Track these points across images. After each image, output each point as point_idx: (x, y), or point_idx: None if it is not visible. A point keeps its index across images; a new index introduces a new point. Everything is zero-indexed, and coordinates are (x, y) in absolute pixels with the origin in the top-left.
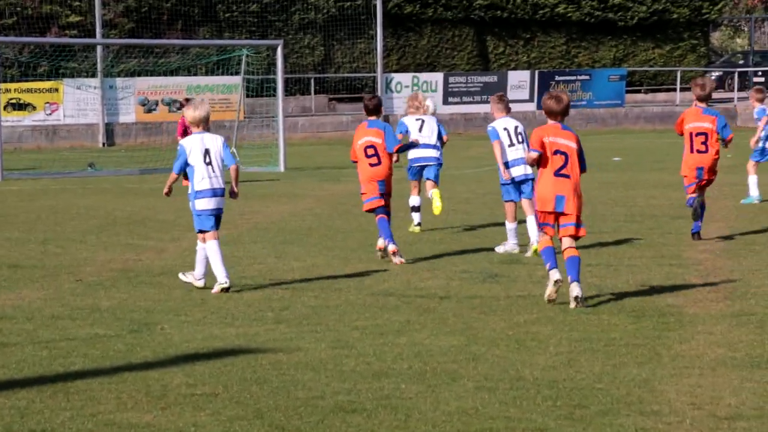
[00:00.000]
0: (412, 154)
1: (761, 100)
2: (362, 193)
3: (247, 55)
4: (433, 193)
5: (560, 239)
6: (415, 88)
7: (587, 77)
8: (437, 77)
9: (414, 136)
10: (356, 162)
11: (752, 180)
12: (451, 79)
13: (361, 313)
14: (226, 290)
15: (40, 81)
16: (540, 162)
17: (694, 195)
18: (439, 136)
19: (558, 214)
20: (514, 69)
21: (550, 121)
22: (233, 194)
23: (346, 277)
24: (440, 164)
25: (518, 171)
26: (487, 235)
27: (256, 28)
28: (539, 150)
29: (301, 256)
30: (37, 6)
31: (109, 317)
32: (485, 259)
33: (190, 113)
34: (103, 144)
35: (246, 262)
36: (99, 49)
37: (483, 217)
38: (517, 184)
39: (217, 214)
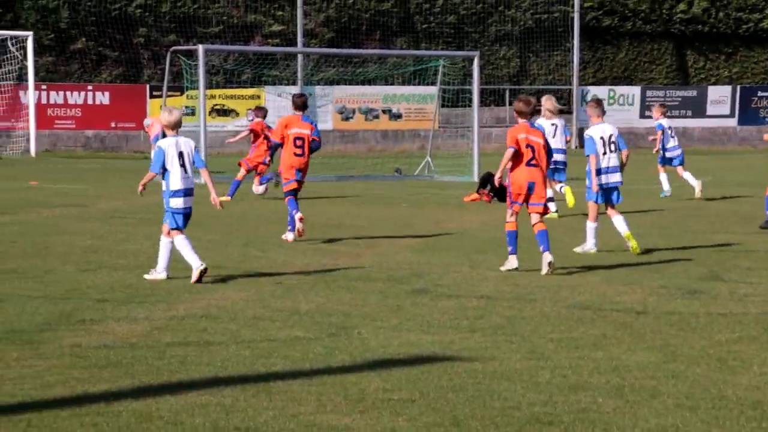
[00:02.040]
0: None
1: (664, 114)
2: (282, 175)
3: (444, 66)
4: (565, 189)
5: (530, 215)
6: (611, 101)
7: None
8: (634, 90)
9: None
10: (282, 144)
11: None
12: (649, 93)
13: (556, 325)
14: (204, 272)
15: (242, 88)
16: (515, 155)
17: None
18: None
19: (528, 195)
20: (715, 84)
21: (521, 120)
22: (215, 202)
23: (541, 288)
24: (565, 165)
25: (612, 178)
26: (685, 249)
27: (452, 39)
28: (515, 146)
29: (495, 266)
30: (242, 15)
31: (307, 320)
32: (683, 274)
33: (166, 117)
34: None
35: (440, 271)
36: (300, 57)
37: (680, 229)
38: (606, 190)
39: (188, 212)
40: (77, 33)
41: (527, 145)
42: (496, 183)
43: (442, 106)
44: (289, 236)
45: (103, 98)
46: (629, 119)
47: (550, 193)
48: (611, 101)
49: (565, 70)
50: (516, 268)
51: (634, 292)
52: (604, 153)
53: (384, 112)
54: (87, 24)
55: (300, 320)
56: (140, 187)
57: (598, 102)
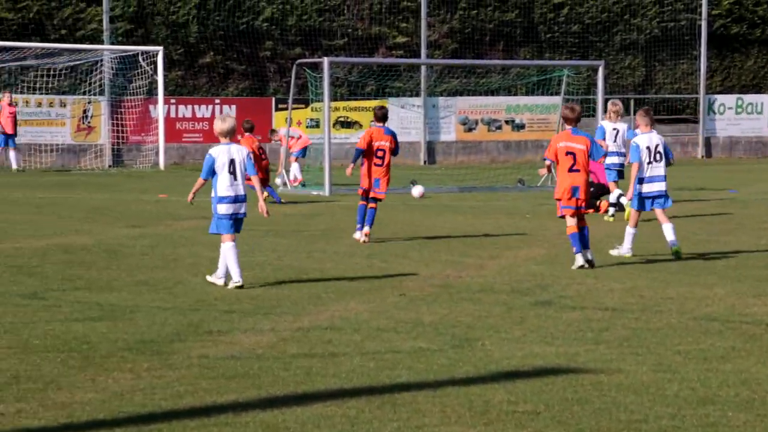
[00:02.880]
0: (609, 159)
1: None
2: (361, 182)
3: (567, 76)
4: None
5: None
6: (739, 110)
7: None
8: (763, 99)
9: (608, 142)
10: (364, 150)
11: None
12: None
13: (683, 337)
14: (240, 287)
15: (366, 100)
16: (558, 162)
17: None
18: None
19: (575, 200)
20: None
21: (567, 127)
22: (261, 210)
23: (667, 300)
24: (622, 167)
25: (654, 187)
26: None
27: (576, 49)
28: (552, 159)
29: (620, 278)
30: (366, 28)
31: (431, 331)
32: None
33: (219, 125)
34: (425, 162)
35: (564, 282)
36: (423, 69)
37: None
38: (649, 198)
39: (236, 218)
40: (206, 47)
41: (567, 153)
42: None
43: None
44: (356, 235)
45: (230, 111)
46: (758, 128)
47: (613, 197)
48: (739, 110)
49: (691, 79)
50: (582, 266)
51: (764, 304)
52: (649, 162)
53: (507, 122)
54: (215, 38)
55: (424, 332)
56: (190, 196)
57: (647, 111)
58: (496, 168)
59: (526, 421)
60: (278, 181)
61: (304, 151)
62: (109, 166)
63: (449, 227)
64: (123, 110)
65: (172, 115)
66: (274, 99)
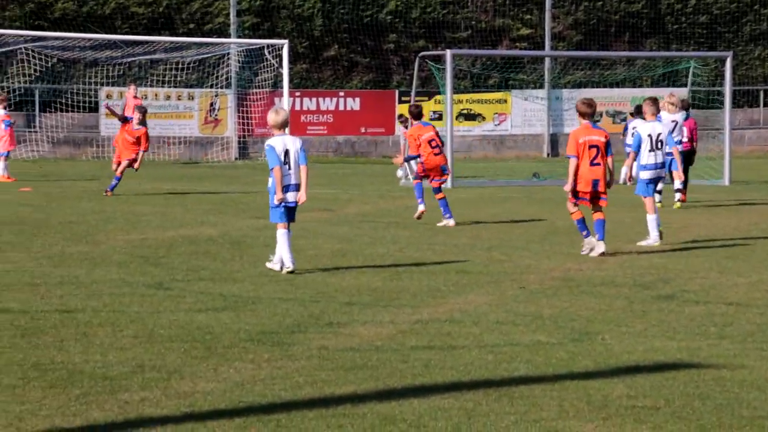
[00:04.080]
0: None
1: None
2: (427, 176)
3: (695, 67)
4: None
5: (592, 207)
6: None
7: None
8: None
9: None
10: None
11: None
12: None
13: None
14: (291, 272)
15: (489, 92)
16: (580, 156)
17: None
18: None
19: (594, 192)
20: None
21: (583, 122)
22: (300, 201)
23: None
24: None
25: (657, 173)
26: None
27: (704, 40)
28: (576, 155)
29: (745, 272)
30: (490, 20)
31: (550, 325)
32: None
33: (273, 117)
34: (548, 154)
35: (687, 276)
36: (547, 61)
37: None
38: (653, 182)
39: (290, 207)
40: (330, 40)
41: (591, 146)
42: (567, 191)
43: (693, 107)
44: (450, 222)
45: (354, 104)
46: None
47: (678, 183)
48: None
49: None
50: (599, 251)
51: None
52: (650, 150)
53: (631, 114)
54: (340, 31)
55: (543, 325)
56: (278, 196)
57: (654, 101)
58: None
59: (645, 417)
60: (399, 173)
61: None
62: (235, 159)
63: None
64: (249, 103)
65: (297, 107)
66: (397, 92)
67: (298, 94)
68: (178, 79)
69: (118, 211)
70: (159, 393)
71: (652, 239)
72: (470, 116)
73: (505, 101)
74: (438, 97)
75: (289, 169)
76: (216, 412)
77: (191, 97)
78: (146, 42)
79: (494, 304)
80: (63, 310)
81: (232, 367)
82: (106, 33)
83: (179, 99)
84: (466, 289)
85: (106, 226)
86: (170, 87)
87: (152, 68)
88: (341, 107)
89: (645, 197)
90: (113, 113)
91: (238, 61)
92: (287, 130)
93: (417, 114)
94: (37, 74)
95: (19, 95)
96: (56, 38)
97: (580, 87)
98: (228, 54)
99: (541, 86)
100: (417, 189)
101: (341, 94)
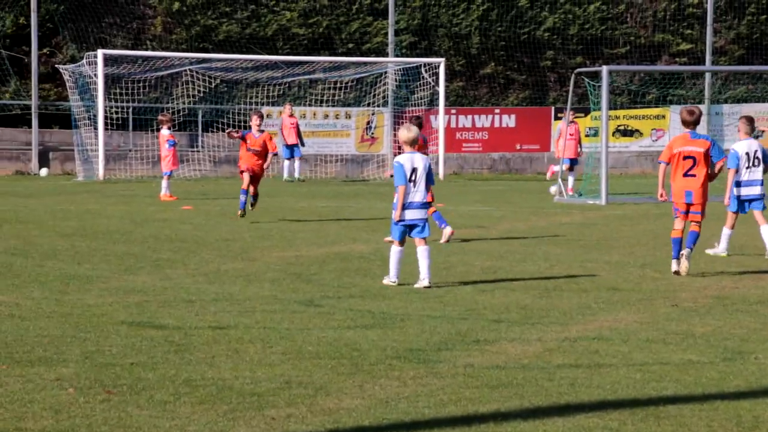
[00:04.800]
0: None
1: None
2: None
3: None
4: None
5: (689, 221)
6: None
7: None
8: None
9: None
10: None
11: None
12: None
13: None
14: (393, 283)
15: (647, 108)
16: (674, 166)
17: None
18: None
19: (688, 205)
20: None
21: (685, 130)
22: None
23: None
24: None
25: (751, 191)
26: None
27: None
28: (666, 161)
29: None
30: (649, 35)
31: (702, 343)
32: None
33: (404, 134)
34: None
35: None
36: (707, 76)
37: None
38: (747, 200)
39: (413, 225)
40: (487, 58)
41: (686, 157)
42: (659, 198)
43: None
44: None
45: (509, 121)
46: None
47: None
48: None
49: None
50: (677, 272)
51: None
52: (747, 167)
53: None
54: (497, 48)
55: (694, 343)
56: (397, 214)
57: (750, 120)
58: None
59: None
60: (553, 189)
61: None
62: (391, 176)
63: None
64: (404, 121)
65: (452, 125)
66: (553, 108)
67: (453, 111)
68: (336, 98)
69: (274, 228)
70: (304, 409)
71: (720, 249)
72: (627, 132)
73: (664, 117)
74: (595, 113)
75: (414, 186)
76: (360, 429)
77: (348, 116)
78: (306, 62)
79: (645, 322)
80: (216, 327)
81: (378, 384)
82: (268, 54)
83: (337, 118)
84: (616, 307)
85: (261, 243)
86: (328, 106)
87: (311, 88)
88: (497, 124)
89: (730, 212)
90: (234, 136)
91: (395, 80)
92: (416, 147)
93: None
94: (201, 95)
95: (183, 116)
96: (220, 60)
97: (741, 102)
98: (385, 73)
99: (701, 102)
100: (435, 216)
101: (497, 111)
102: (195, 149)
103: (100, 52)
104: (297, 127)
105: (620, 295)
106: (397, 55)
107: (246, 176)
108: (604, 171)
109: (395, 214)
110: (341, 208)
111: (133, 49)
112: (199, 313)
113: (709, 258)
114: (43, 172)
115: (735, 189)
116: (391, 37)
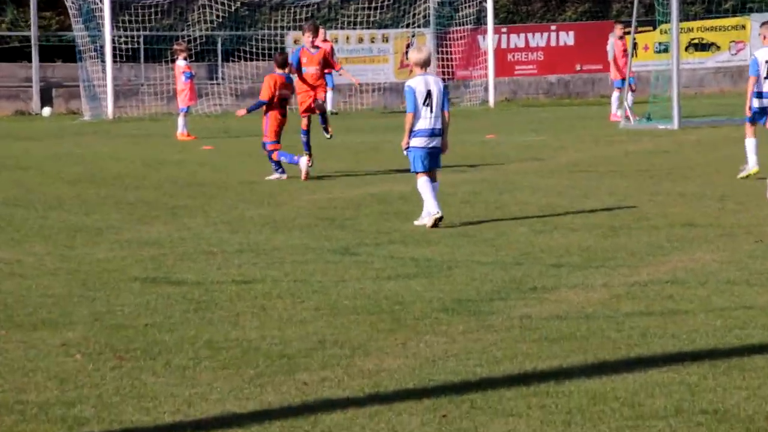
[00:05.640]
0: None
1: None
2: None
3: None
4: None
5: None
6: None
7: None
8: None
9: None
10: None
11: None
12: None
13: None
14: (439, 219)
15: (724, 17)
16: None
17: None
18: None
19: None
20: None
21: None
22: (443, 147)
23: None
24: None
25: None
26: None
27: None
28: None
29: None
30: None
31: None
32: None
33: (415, 55)
34: None
35: None
36: None
37: None
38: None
39: (432, 153)
40: None
41: None
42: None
43: None
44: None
45: (567, 39)
46: None
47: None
48: None
49: None
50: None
51: None
52: (766, 77)
53: None
54: None
55: None
56: (404, 141)
57: None
58: None
59: None
60: (619, 112)
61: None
62: None
63: None
64: (449, 42)
65: (503, 45)
66: (616, 23)
67: (504, 30)
68: (371, 19)
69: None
70: (341, 372)
71: (750, 165)
72: (702, 46)
73: (744, 27)
74: (663, 26)
75: (431, 111)
76: (403, 392)
77: (385, 39)
78: None
79: (725, 261)
80: (240, 281)
81: (423, 341)
82: None
83: (372, 41)
84: (692, 245)
85: (289, 185)
86: (362, 28)
87: (343, 8)
88: (553, 43)
89: (747, 123)
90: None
91: None
92: (429, 69)
93: (282, 63)
94: (220, 21)
95: (200, 44)
96: None
97: None
98: None
99: None
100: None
101: (553, 28)
102: (215, 81)
103: None
104: (332, 51)
105: (696, 232)
106: None
107: (305, 120)
108: (675, 91)
109: (402, 142)
110: (379, 144)
111: None
112: (222, 266)
113: None
114: (46, 111)
115: (756, 100)
116: None
